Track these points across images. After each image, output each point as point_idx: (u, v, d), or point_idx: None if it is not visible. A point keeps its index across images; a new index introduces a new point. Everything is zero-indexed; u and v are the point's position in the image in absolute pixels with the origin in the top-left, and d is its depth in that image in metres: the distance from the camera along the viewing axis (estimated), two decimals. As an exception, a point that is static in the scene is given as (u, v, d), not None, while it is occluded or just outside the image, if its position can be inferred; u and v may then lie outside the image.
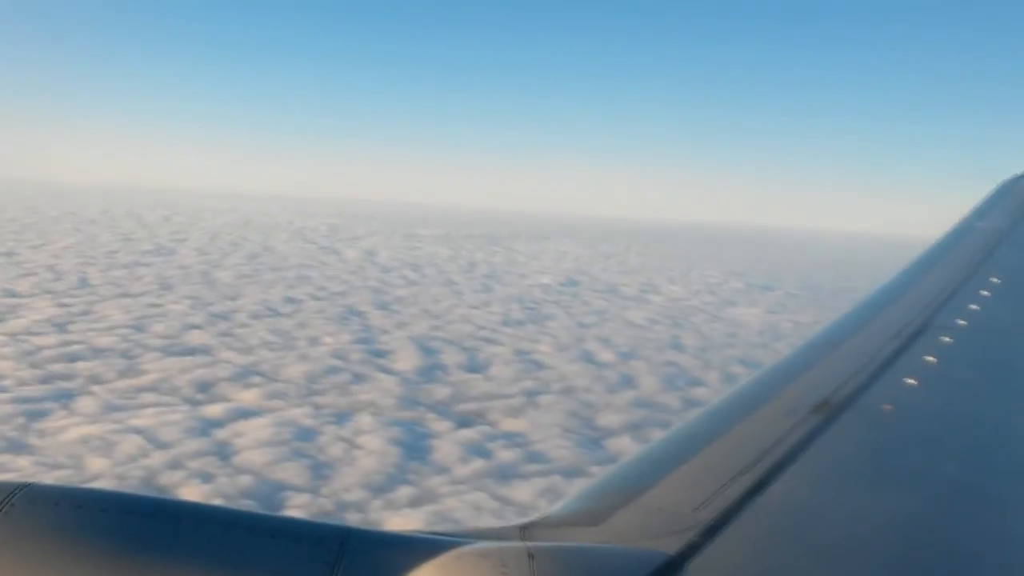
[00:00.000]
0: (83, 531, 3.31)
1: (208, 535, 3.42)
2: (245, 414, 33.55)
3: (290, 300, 64.09)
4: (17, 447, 28.28)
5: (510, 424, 35.06)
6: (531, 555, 3.44)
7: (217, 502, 24.59)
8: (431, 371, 43.60)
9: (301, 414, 34.21)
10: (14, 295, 59.10)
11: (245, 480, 26.62)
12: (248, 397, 36.59)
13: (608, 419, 36.54)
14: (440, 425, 34.09)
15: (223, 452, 29.12)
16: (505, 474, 28.92)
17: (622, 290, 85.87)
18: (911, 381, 5.86)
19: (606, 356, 50.04)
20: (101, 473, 26.30)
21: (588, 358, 49.43)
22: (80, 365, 40.28)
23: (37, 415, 31.93)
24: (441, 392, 39.46)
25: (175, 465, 27.51)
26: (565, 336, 55.94)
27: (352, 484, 26.94)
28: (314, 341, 49.15)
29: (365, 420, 33.86)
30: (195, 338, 48.04)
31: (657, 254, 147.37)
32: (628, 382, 43.89)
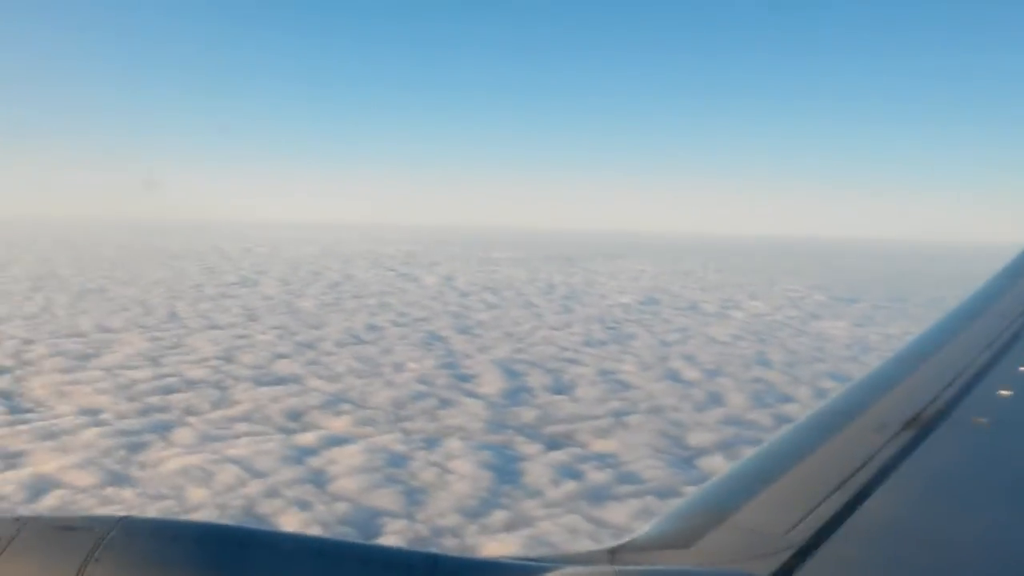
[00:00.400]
0: (178, 563, 3.40)
1: (300, 564, 3.49)
2: (337, 441, 33.92)
3: (373, 327, 64.83)
4: (121, 480, 28.99)
5: (600, 445, 34.82)
6: None
7: (315, 530, 24.87)
8: (517, 394, 43.61)
9: (392, 440, 34.45)
10: (108, 330, 60.83)
11: (342, 507, 26.87)
12: (339, 424, 37.01)
13: (699, 438, 36.08)
14: (530, 448, 34.02)
15: (318, 480, 29.46)
16: (598, 496, 28.70)
17: (703, 307, 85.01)
18: (1005, 392, 5.67)
19: (692, 374, 49.49)
20: (202, 503, 26.78)
21: (674, 376, 48.95)
22: (175, 397, 41.22)
23: (138, 447, 32.73)
24: (528, 415, 39.40)
25: (272, 494, 27.90)
26: (649, 355, 55.51)
27: (447, 509, 27.00)
28: (399, 367, 49.55)
29: (455, 445, 33.96)
30: (284, 367, 48.84)
31: (735, 270, 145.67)
32: (716, 400, 43.31)
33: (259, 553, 3.55)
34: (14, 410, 38.03)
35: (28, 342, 54.93)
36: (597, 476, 30.71)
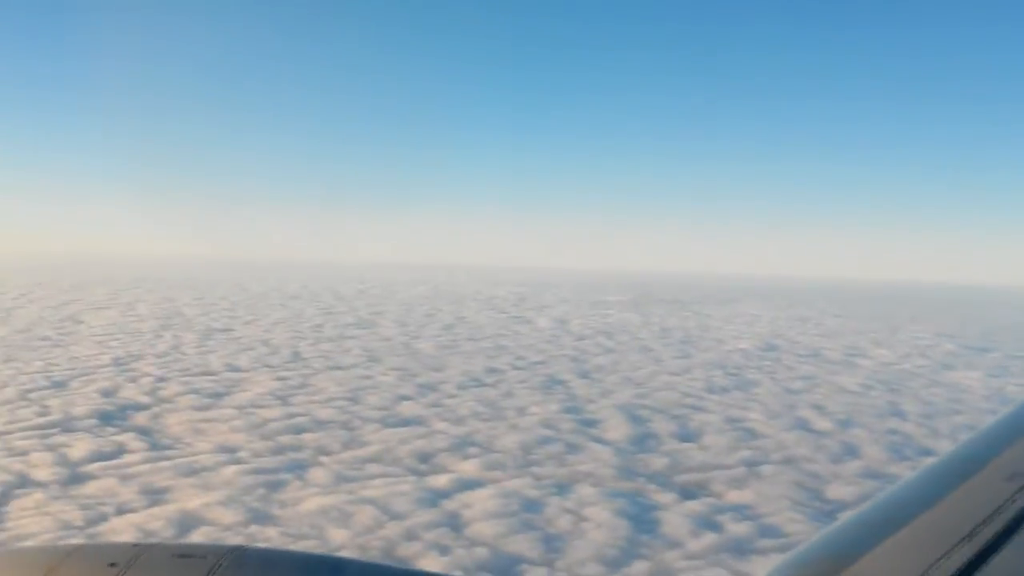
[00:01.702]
0: None
1: None
2: (469, 485, 33.88)
3: (492, 370, 65.01)
4: (263, 518, 29.47)
5: (736, 496, 33.94)
6: None
7: (458, 575, 24.79)
8: (644, 440, 42.98)
9: (523, 484, 34.23)
10: (237, 369, 62.46)
11: (481, 552, 26.73)
12: (468, 468, 37.00)
13: (838, 491, 34.86)
14: (663, 496, 33.38)
15: (454, 523, 29.42)
16: (741, 548, 27.90)
17: (825, 354, 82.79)
18: None
19: (822, 424, 48.02)
20: (343, 544, 26.97)
21: (803, 426, 47.58)
22: (306, 436, 41.89)
23: (275, 486, 33.28)
24: (658, 462, 38.75)
25: (411, 536, 27.96)
26: (775, 403, 54.14)
27: (586, 558, 26.61)
28: (522, 411, 49.43)
29: (587, 491, 33.56)
30: (408, 409, 49.24)
31: (855, 315, 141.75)
32: (851, 451, 41.88)
33: None
34: (155, 446, 39.18)
35: (162, 379, 56.72)
36: (737, 528, 29.89)
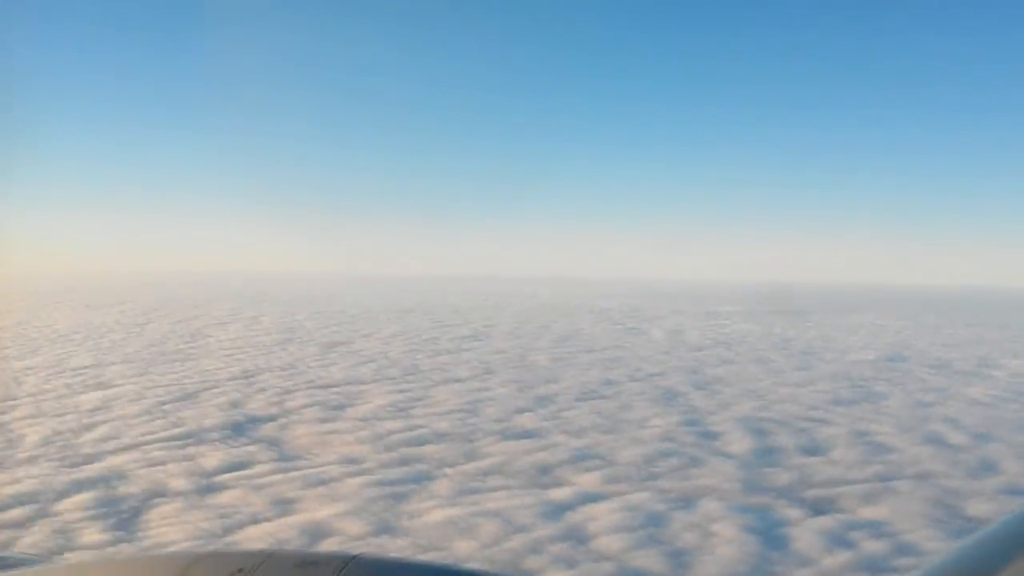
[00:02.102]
0: None
1: None
2: (592, 498, 33.63)
3: (609, 382, 64.63)
4: (391, 529, 29.83)
5: (868, 512, 32.78)
6: None
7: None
8: (768, 454, 41.98)
9: (646, 498, 33.80)
10: (358, 382, 63.63)
11: (607, 568, 26.45)
12: (589, 481, 36.76)
13: (978, 508, 33.33)
14: (792, 512, 32.48)
15: (579, 537, 29.21)
16: (877, 567, 26.90)
17: (956, 365, 79.62)
18: None
19: (957, 438, 46.06)
20: (470, 556, 27.06)
21: (936, 440, 45.73)
22: (428, 448, 42.32)
23: (400, 497, 33.67)
24: (784, 476, 37.77)
25: (536, 549, 27.86)
26: (905, 416, 52.23)
27: (715, 574, 26.06)
28: (641, 424, 48.93)
29: (712, 506, 32.92)
30: (526, 421, 49.28)
31: (987, 324, 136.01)
32: (990, 467, 40.03)
33: None
34: (282, 457, 40.13)
35: (286, 392, 58.19)
36: (872, 546, 28.84)
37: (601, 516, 31.39)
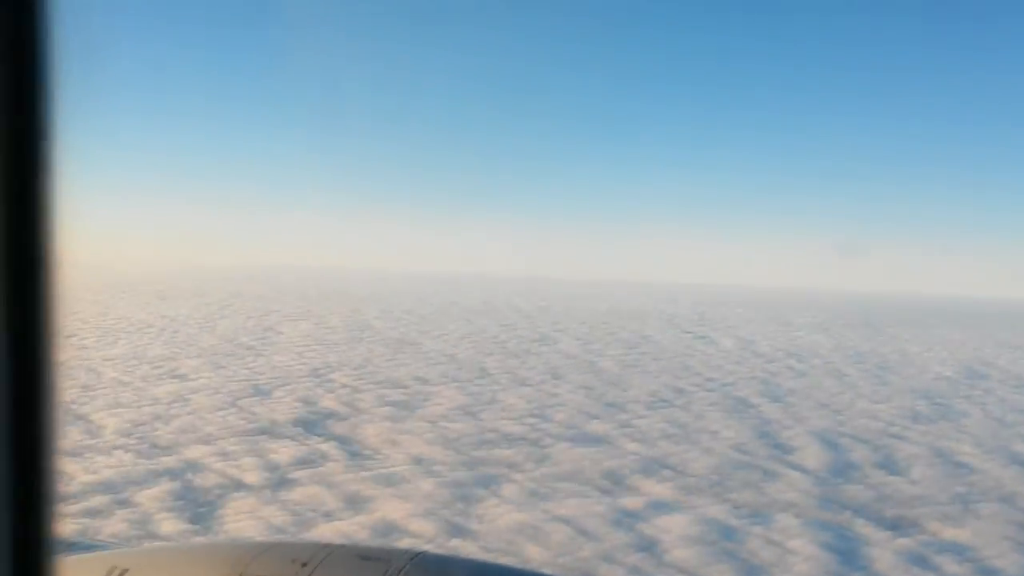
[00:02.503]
0: None
1: None
2: (664, 508, 33.18)
3: (679, 391, 63.84)
4: (462, 532, 29.76)
5: (952, 533, 31.80)
6: None
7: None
8: (845, 470, 41.02)
9: (720, 511, 33.24)
10: (426, 382, 63.81)
11: (682, 580, 26.03)
12: (661, 490, 36.28)
13: (1068, 534, 32.11)
14: (872, 531, 31.66)
15: (651, 548, 28.83)
16: (963, 593, 26.05)
17: (1040, 384, 77.01)
18: None
19: (1043, 460, 44.54)
20: (543, 562, 26.85)
21: (1021, 461, 44.26)
22: (497, 452, 42.19)
23: (471, 499, 33.60)
24: (863, 494, 36.85)
25: (608, 558, 27.58)
26: (988, 436, 50.65)
27: (795, 593, 25.46)
28: (713, 434, 48.20)
29: (789, 521, 32.23)
30: (596, 428, 48.89)
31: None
32: (1080, 491, 38.60)
33: None
34: (354, 455, 40.35)
35: (357, 390, 58.55)
36: (956, 570, 27.99)
37: (675, 527, 30.93)
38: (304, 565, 3.85)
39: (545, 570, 26.13)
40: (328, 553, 3.94)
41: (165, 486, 33.68)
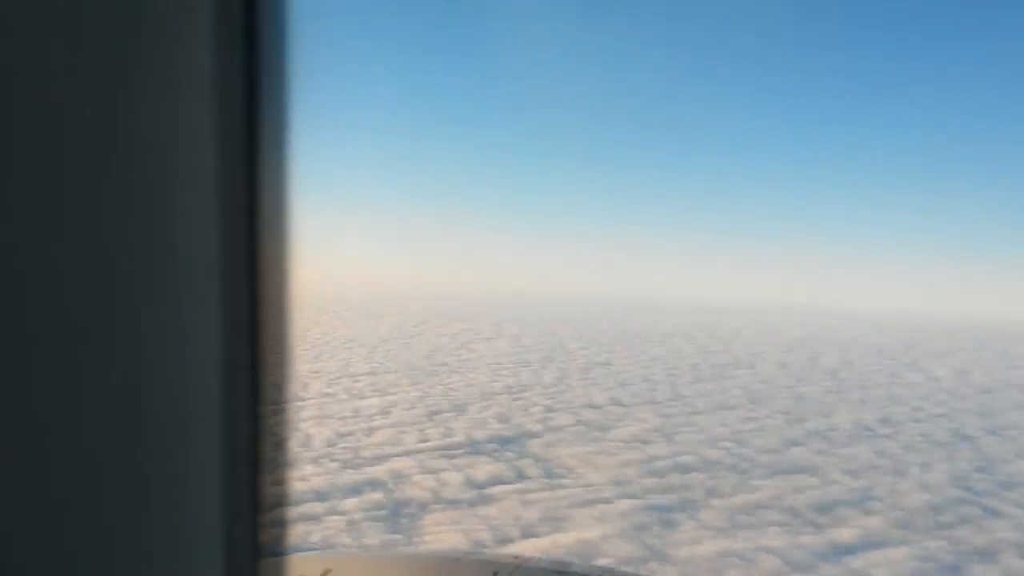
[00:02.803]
0: None
1: None
2: (877, 543, 31.47)
3: (886, 420, 60.70)
4: (659, 556, 29.22)
5: None
6: None
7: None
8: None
9: (938, 548, 31.21)
10: (620, 404, 63.38)
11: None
12: (872, 524, 34.42)
13: None
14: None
15: (863, 583, 27.35)
16: None
17: None
18: None
19: None
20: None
21: None
22: (694, 476, 41.27)
23: (669, 524, 32.98)
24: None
25: (817, 592, 26.33)
26: None
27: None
28: (926, 467, 45.44)
29: (1017, 562, 29.86)
30: (798, 456, 47.08)
31: None
32: None
33: None
34: (549, 475, 40.44)
35: (551, 409, 58.82)
36: None
37: (888, 563, 29.26)
38: (495, 574, 3.93)
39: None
40: (519, 565, 4.03)
41: (369, 496, 34.78)
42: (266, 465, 1.34)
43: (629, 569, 27.77)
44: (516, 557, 4.13)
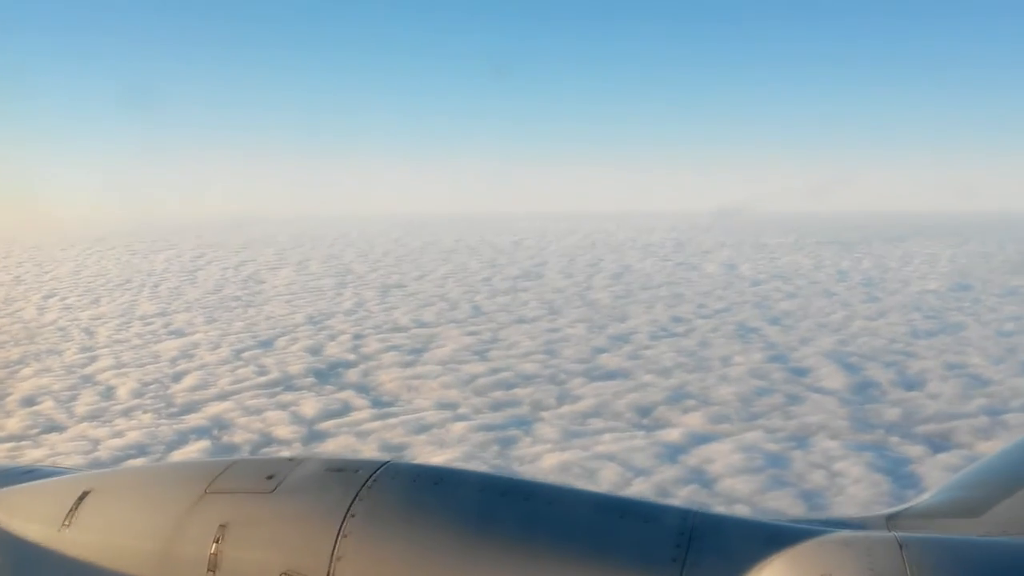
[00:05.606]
0: (438, 505, 3.62)
1: (555, 513, 3.61)
2: (703, 439, 33.16)
3: (678, 319, 63.92)
4: (508, 475, 29.50)
5: (987, 447, 32.04)
6: (901, 545, 3.23)
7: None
8: (864, 389, 41.35)
9: (758, 438, 33.31)
10: (425, 325, 63.26)
11: (742, 511, 25.97)
12: (693, 421, 36.29)
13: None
14: (911, 449, 31.94)
15: (703, 479, 28.85)
16: None
17: (1024, 292, 78.09)
18: None
19: (1056, 366, 45.24)
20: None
21: (1033, 369, 44.93)
22: (518, 392, 41.95)
23: (507, 442, 33.39)
24: (890, 412, 37.12)
25: (664, 493, 27.52)
26: (992, 346, 51.29)
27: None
28: (725, 360, 48.34)
29: (828, 444, 32.39)
30: (608, 361, 48.78)
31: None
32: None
33: (517, 500, 3.67)
34: (377, 403, 39.93)
35: (358, 336, 57.94)
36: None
37: (719, 457, 30.94)
38: (270, 478, 3.85)
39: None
40: (296, 466, 3.94)
41: (197, 445, 33.14)
42: None
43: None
44: (292, 458, 4.04)
